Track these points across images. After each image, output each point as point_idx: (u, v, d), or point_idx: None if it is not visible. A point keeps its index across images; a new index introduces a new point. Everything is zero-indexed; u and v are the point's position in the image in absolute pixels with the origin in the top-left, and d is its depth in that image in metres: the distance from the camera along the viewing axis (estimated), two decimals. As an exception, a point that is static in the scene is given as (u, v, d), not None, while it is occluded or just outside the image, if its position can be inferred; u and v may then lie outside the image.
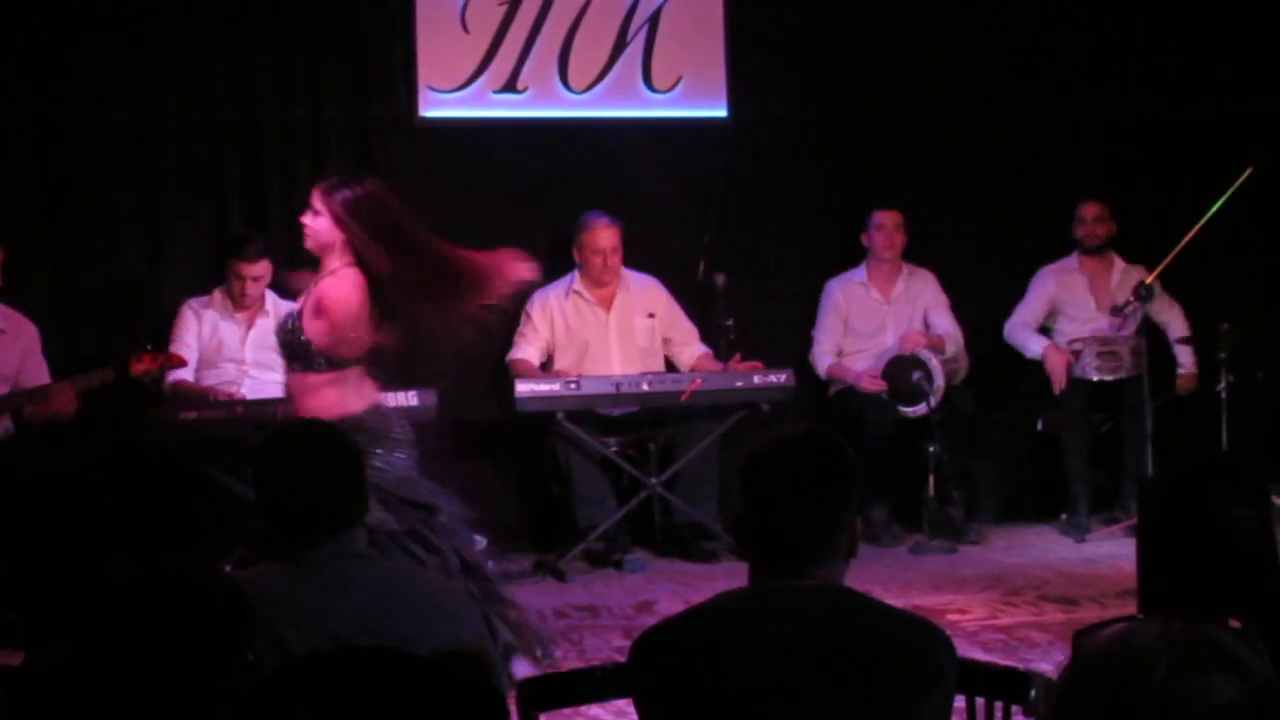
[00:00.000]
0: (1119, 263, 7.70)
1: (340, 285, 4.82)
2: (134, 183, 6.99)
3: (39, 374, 6.28)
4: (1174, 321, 7.66)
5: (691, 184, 7.62)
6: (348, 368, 4.85)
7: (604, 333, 7.24)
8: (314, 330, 4.84)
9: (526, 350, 7.19)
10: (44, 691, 1.92)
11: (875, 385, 7.33)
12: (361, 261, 4.84)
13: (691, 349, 7.34)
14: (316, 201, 4.98)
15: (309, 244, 5.01)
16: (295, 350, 4.90)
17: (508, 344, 7.21)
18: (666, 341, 7.36)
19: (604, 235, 7.14)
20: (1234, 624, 2.33)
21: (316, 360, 4.86)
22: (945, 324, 7.58)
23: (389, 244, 4.85)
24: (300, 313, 4.89)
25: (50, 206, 6.88)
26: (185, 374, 6.61)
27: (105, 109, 6.89)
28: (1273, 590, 2.51)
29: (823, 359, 7.58)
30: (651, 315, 7.32)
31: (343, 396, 4.83)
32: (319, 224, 4.97)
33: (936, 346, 7.39)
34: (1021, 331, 7.62)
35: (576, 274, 7.26)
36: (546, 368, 7.20)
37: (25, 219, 6.79)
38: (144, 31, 6.90)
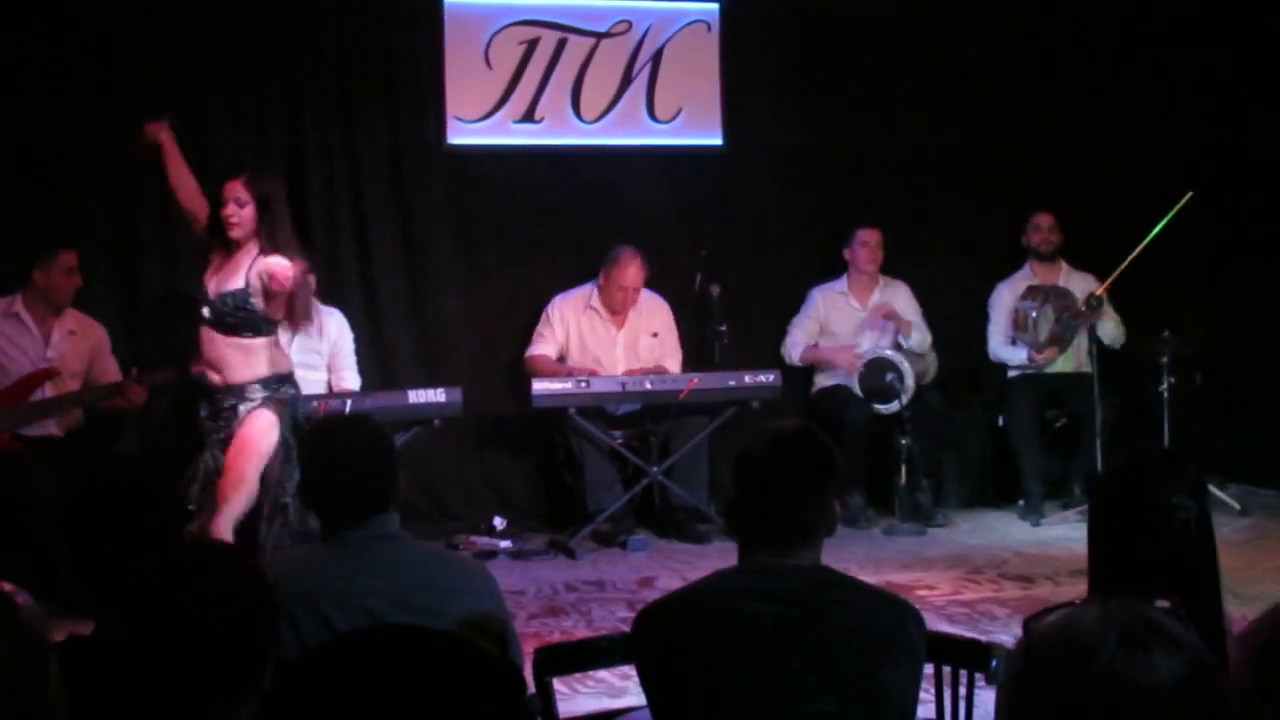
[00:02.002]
0: (1065, 266, 7.71)
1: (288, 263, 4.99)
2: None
3: (110, 372, 6.28)
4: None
5: (690, 204, 7.61)
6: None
7: (612, 349, 7.21)
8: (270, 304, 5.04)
9: (545, 348, 7.17)
10: (105, 661, 1.91)
11: (851, 362, 7.30)
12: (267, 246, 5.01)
13: (670, 361, 7.26)
14: (242, 192, 5.00)
15: (237, 234, 5.04)
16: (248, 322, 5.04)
17: (524, 347, 7.21)
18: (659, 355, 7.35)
19: (631, 273, 7.06)
20: (1162, 603, 2.33)
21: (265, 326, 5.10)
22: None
23: (283, 234, 5.07)
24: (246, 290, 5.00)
25: (119, 225, 6.86)
26: None
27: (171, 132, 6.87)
28: (1207, 572, 2.50)
29: (794, 348, 7.55)
30: (655, 335, 7.29)
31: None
32: (246, 213, 5.00)
33: (890, 316, 7.41)
34: (1002, 350, 7.66)
35: (596, 291, 7.21)
36: (561, 361, 7.18)
37: (98, 236, 6.76)
38: (204, 68, 6.88)
